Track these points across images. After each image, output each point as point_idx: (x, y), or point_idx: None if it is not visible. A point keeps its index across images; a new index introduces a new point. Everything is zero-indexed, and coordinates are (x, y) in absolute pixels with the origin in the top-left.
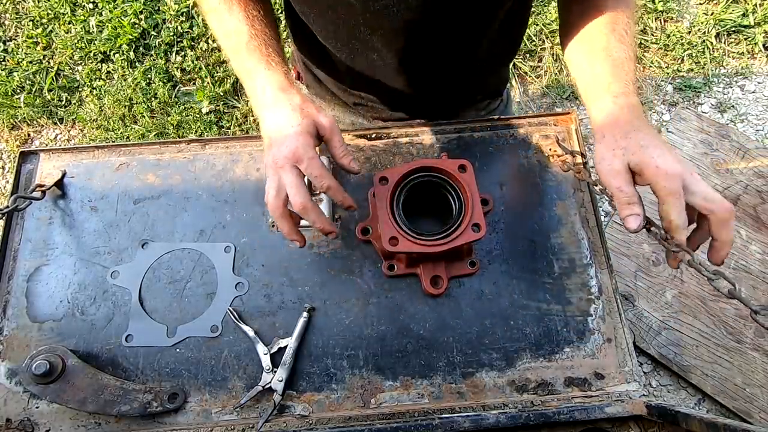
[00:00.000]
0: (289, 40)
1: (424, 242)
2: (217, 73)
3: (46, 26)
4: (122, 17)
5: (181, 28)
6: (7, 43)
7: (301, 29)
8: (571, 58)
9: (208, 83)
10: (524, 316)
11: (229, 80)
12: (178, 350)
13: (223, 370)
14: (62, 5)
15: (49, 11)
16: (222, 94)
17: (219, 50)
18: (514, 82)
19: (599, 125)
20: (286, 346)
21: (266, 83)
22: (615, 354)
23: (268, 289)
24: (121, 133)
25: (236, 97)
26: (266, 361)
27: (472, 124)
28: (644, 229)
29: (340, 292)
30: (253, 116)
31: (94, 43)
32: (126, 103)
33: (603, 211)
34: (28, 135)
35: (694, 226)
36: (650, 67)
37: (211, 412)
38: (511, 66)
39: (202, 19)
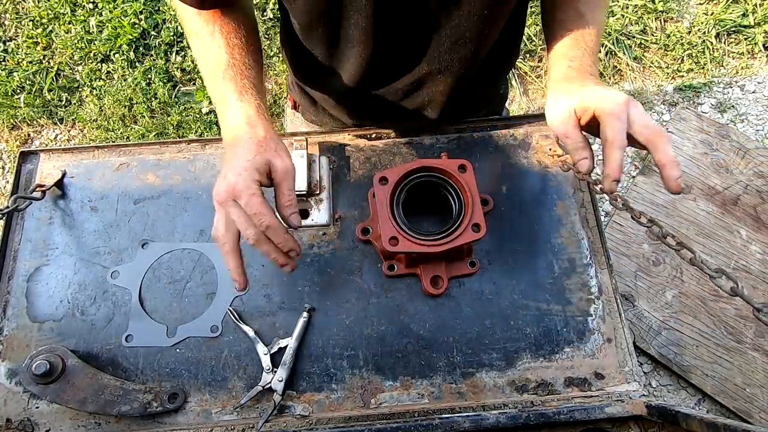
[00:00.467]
0: (288, 69)
1: (424, 242)
2: None
3: (46, 26)
4: (122, 17)
5: (181, 28)
6: (7, 43)
7: (300, 53)
8: (546, 30)
9: None
10: (524, 316)
11: None
12: (178, 350)
13: (223, 370)
14: (62, 5)
15: (49, 11)
16: None
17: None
18: (514, 82)
19: (552, 85)
20: (286, 346)
21: (235, 114)
22: (615, 354)
23: (268, 289)
24: (121, 133)
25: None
26: (266, 361)
27: (472, 124)
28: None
29: (340, 292)
30: None
31: (94, 43)
32: (126, 103)
33: (603, 211)
34: (28, 135)
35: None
36: (650, 67)
37: (211, 412)
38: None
39: None
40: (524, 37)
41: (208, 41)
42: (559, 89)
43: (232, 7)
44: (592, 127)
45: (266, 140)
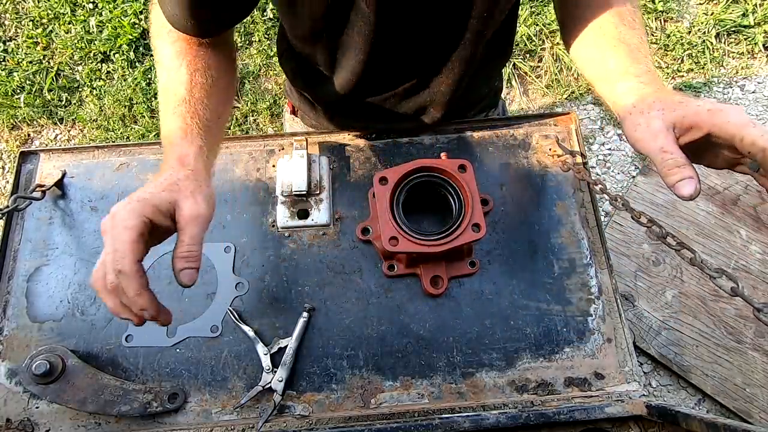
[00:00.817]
0: (286, 76)
1: (424, 242)
2: None
3: (46, 26)
4: (122, 17)
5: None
6: (7, 43)
7: (299, 61)
8: (581, 54)
9: None
10: (524, 316)
11: None
12: (178, 350)
13: (223, 370)
14: (62, 5)
15: (49, 11)
16: None
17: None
18: (514, 82)
19: (625, 103)
20: (286, 346)
21: (172, 151)
22: (615, 354)
23: (268, 289)
24: (121, 133)
25: (236, 98)
26: (266, 361)
27: (472, 124)
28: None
29: (340, 292)
30: (253, 116)
31: (94, 43)
32: (126, 103)
33: (603, 211)
34: (28, 135)
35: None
36: None
37: (211, 412)
38: (510, 67)
39: None
40: (524, 36)
41: (173, 75)
42: (638, 107)
43: (216, 42)
44: (694, 148)
45: (185, 181)
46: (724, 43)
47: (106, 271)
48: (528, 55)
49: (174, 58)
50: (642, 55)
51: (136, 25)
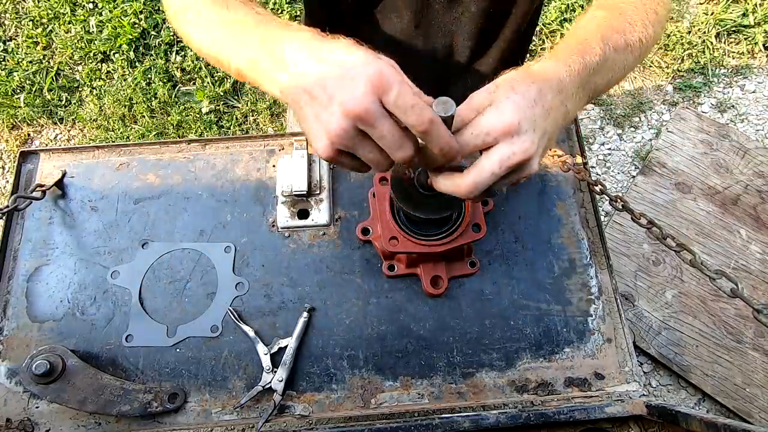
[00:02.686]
0: None
1: (424, 242)
2: (217, 72)
3: (46, 26)
4: (122, 17)
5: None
6: (7, 43)
7: None
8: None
9: (208, 83)
10: (524, 316)
11: (229, 80)
12: (178, 350)
13: (223, 370)
14: (62, 5)
15: (49, 11)
16: (222, 94)
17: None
18: None
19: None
20: (286, 346)
21: (289, 29)
22: (615, 354)
23: (268, 289)
24: (121, 133)
25: (236, 97)
26: (266, 361)
27: None
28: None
29: (340, 292)
30: (253, 116)
31: (94, 43)
32: (126, 103)
33: (603, 211)
34: (28, 135)
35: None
36: (650, 66)
37: (211, 412)
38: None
39: None
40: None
41: (224, 12)
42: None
43: None
44: None
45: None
46: (724, 42)
47: (415, 124)
48: (528, 56)
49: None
50: (578, 49)
51: (136, 25)
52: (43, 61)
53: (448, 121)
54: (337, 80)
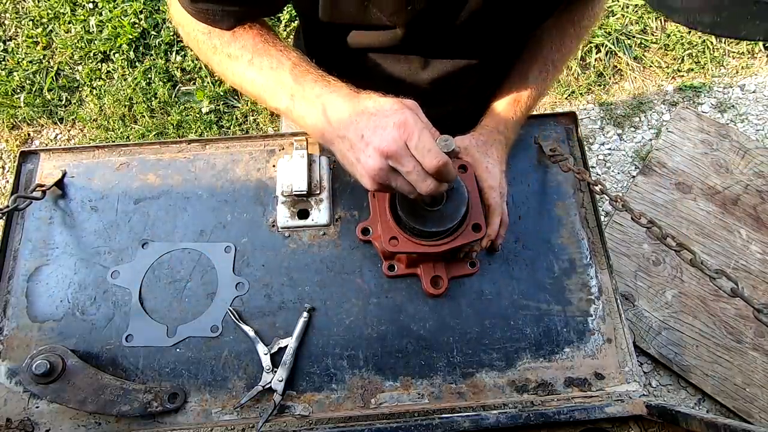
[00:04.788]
0: None
1: (424, 242)
2: None
3: (46, 26)
4: (122, 17)
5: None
6: (7, 43)
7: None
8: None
9: (208, 83)
10: (524, 316)
11: None
12: (178, 350)
13: (223, 370)
14: (62, 5)
15: (49, 11)
16: (222, 93)
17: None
18: None
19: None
20: (286, 346)
21: (343, 87)
22: (615, 354)
23: (268, 289)
24: (121, 132)
25: (236, 97)
26: (266, 361)
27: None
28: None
29: (340, 292)
30: (253, 116)
31: (94, 43)
32: (126, 103)
33: (603, 211)
34: (28, 135)
35: None
36: (650, 66)
37: (211, 412)
38: None
39: None
40: None
41: (260, 59)
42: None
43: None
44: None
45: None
46: (724, 43)
47: (428, 166)
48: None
49: (249, 42)
50: (513, 109)
51: (136, 25)
52: (43, 61)
53: (450, 155)
54: (372, 130)
